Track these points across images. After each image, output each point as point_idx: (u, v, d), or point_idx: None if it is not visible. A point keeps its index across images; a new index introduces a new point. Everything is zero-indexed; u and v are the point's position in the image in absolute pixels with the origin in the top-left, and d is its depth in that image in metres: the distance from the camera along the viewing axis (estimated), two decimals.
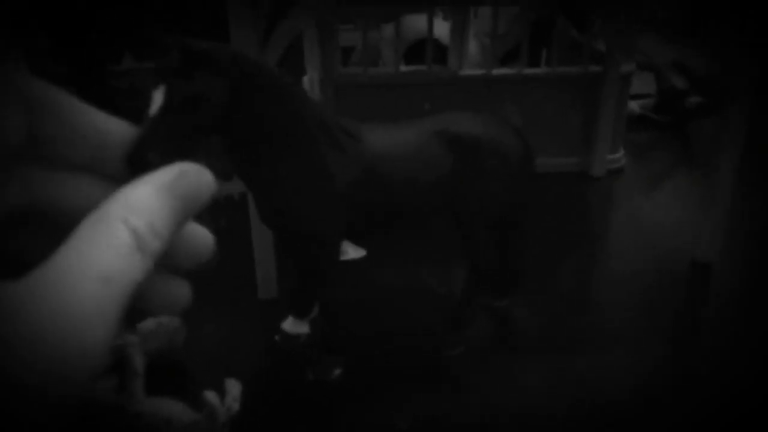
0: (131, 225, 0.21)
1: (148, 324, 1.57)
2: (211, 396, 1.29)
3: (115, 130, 0.25)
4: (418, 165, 1.51)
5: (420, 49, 2.63)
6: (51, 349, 0.18)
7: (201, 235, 0.26)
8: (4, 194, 0.23)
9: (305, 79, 2.45)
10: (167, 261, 0.23)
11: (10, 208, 0.23)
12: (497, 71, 2.64)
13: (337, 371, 1.63)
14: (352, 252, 2.03)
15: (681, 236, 2.26)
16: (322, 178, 1.43)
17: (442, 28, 2.76)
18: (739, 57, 1.94)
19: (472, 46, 2.86)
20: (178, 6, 2.27)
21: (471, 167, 1.54)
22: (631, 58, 2.72)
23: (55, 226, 0.23)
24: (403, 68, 2.62)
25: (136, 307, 0.22)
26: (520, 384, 1.62)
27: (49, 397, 0.18)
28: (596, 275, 2.17)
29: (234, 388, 1.34)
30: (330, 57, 2.43)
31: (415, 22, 2.77)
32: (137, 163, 0.25)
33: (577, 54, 2.72)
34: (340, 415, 1.52)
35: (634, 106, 3.21)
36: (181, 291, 0.26)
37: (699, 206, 2.27)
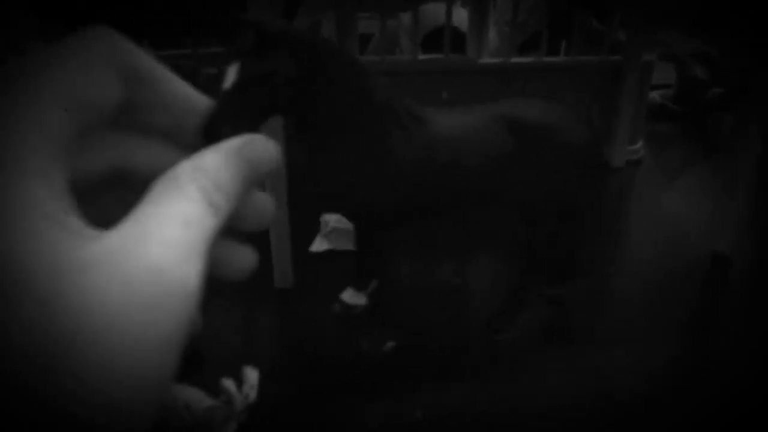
0: (200, 184, 0.22)
1: None
2: (228, 383, 1.30)
3: (197, 101, 0.26)
4: (480, 149, 1.52)
5: (438, 37, 2.61)
6: (145, 299, 0.19)
7: (263, 200, 0.28)
8: (97, 158, 0.25)
9: None
10: (232, 225, 0.25)
11: (100, 171, 0.25)
12: (516, 60, 2.61)
13: (390, 344, 1.67)
14: None
15: (701, 228, 2.24)
16: (385, 157, 1.47)
17: (460, 16, 2.73)
18: (757, 50, 1.91)
19: (492, 35, 2.83)
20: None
21: (533, 154, 1.54)
22: (652, 48, 2.68)
23: (136, 191, 0.25)
24: (421, 56, 2.60)
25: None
26: (535, 377, 1.62)
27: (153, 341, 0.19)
28: (614, 267, 2.15)
29: (251, 375, 1.35)
30: (348, 45, 2.41)
31: (434, 10, 2.74)
32: (211, 134, 0.26)
33: (597, 43, 2.69)
34: (354, 405, 1.53)
35: (655, 96, 3.17)
36: (247, 256, 0.28)
37: (719, 198, 2.24)
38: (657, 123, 3.16)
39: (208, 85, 1.20)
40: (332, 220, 2.07)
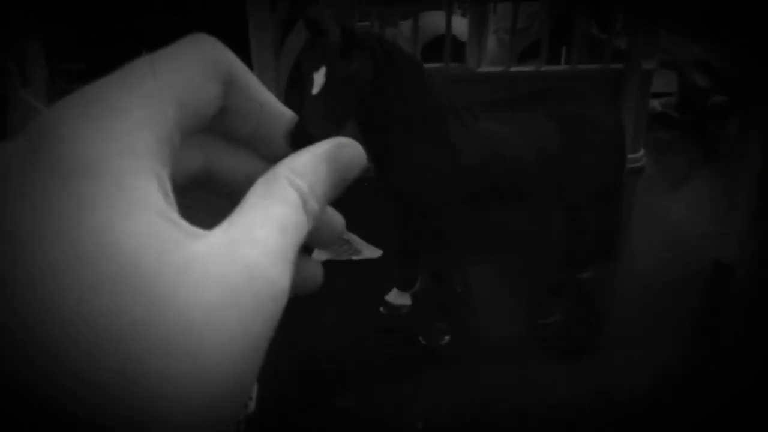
0: (297, 186, 0.23)
1: None
2: None
3: (284, 112, 0.26)
4: (530, 141, 1.59)
5: (438, 46, 2.61)
6: (239, 299, 0.19)
7: (336, 216, 0.27)
8: (189, 160, 0.25)
9: None
10: (310, 238, 0.24)
11: (190, 173, 0.26)
12: (516, 68, 2.61)
13: (446, 338, 1.70)
14: (367, 252, 2.02)
15: (703, 237, 2.23)
16: (446, 152, 1.52)
17: (460, 25, 2.74)
18: (757, 56, 1.91)
19: (491, 43, 2.83)
20: (196, 6, 2.27)
21: (579, 143, 1.61)
22: (654, 56, 2.67)
23: (218, 195, 0.25)
24: None
25: None
26: (535, 377, 1.61)
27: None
28: (616, 275, 2.15)
29: None
30: None
31: (433, 19, 2.75)
32: (300, 139, 0.26)
33: (597, 51, 2.68)
34: (353, 412, 1.52)
35: (655, 104, 3.16)
36: (316, 270, 0.28)
37: (721, 205, 2.23)
38: (658, 130, 3.15)
39: None
40: None
